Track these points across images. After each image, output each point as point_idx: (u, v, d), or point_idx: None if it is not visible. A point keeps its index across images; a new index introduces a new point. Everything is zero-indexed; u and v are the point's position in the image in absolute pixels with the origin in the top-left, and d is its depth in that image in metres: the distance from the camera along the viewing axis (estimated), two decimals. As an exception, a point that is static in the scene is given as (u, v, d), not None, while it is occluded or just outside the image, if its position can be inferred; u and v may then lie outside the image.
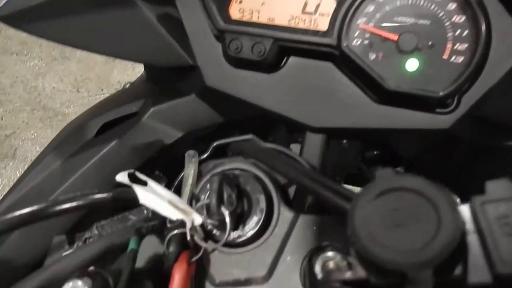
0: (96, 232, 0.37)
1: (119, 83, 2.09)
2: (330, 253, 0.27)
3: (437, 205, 0.19)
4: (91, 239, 0.37)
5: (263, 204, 0.35)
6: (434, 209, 0.19)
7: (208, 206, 0.32)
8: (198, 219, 0.31)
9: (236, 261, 0.35)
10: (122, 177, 0.33)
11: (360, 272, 0.20)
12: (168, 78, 0.59)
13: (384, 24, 0.42)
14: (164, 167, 0.57)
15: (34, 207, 0.28)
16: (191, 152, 0.42)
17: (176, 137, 0.55)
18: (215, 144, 0.45)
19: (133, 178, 0.34)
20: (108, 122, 0.56)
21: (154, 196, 0.31)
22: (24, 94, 1.99)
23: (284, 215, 0.35)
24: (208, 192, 0.33)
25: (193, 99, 0.55)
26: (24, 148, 1.87)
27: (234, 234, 0.34)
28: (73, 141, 0.53)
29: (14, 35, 2.14)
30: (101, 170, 0.50)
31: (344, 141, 0.57)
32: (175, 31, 0.49)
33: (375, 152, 0.66)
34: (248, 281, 0.35)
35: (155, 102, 0.55)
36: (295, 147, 0.55)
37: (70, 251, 0.36)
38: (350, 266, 0.22)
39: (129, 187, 0.33)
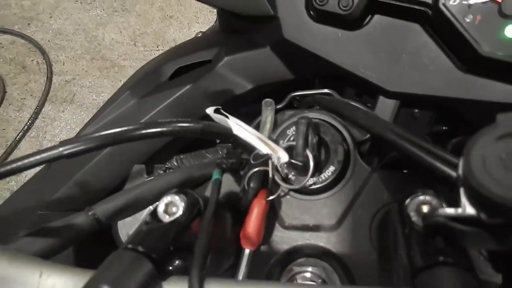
0: (175, 163, 0.39)
1: (174, 41, 2.12)
2: (426, 197, 0.27)
3: None
4: (171, 170, 0.39)
5: (341, 155, 0.35)
6: None
7: (293, 148, 0.33)
8: (284, 157, 0.32)
9: (307, 207, 0.36)
10: (211, 110, 0.34)
11: (470, 210, 0.20)
12: (241, 29, 0.59)
13: (488, -16, 0.39)
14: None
15: (125, 128, 0.30)
16: (268, 100, 0.42)
17: (246, 88, 0.55)
18: (292, 95, 0.45)
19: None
20: (182, 67, 0.57)
21: (245, 130, 0.32)
22: (85, 42, 2.07)
23: (359, 168, 0.36)
24: (289, 136, 0.34)
25: (266, 52, 0.54)
26: (82, 95, 1.96)
27: (311, 180, 0.35)
28: (148, 82, 0.55)
29: (79, -17, 2.20)
30: (174, 111, 0.52)
31: (416, 110, 0.56)
32: (260, -21, 0.49)
33: (444, 128, 0.63)
34: (316, 228, 0.36)
35: (229, 52, 0.55)
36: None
37: (151, 178, 0.38)
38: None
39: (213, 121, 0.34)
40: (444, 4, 0.40)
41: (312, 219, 0.36)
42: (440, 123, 0.63)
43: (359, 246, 0.34)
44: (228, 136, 0.32)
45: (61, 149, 0.27)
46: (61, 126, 1.90)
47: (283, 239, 0.36)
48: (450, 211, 0.21)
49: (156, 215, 0.27)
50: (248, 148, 0.38)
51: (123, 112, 0.52)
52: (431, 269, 0.21)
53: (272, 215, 0.36)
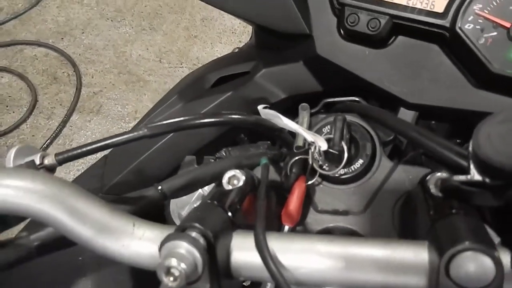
0: (224, 154, 0.45)
1: (197, 59, 2.22)
2: (443, 174, 0.32)
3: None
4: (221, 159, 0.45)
5: (369, 150, 0.41)
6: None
7: (330, 140, 0.39)
8: (324, 145, 0.38)
9: (337, 195, 0.42)
10: (261, 107, 0.41)
11: (477, 177, 0.25)
12: (277, 45, 0.66)
13: (498, 12, 0.46)
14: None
15: (192, 116, 0.36)
16: (304, 104, 0.49)
17: (280, 97, 0.62)
18: (325, 101, 0.51)
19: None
20: (223, 77, 0.64)
21: (292, 122, 0.38)
22: (113, 57, 2.18)
23: (384, 163, 0.41)
24: (325, 133, 0.40)
25: (299, 66, 0.61)
26: (108, 107, 2.05)
27: (341, 171, 0.41)
28: (193, 89, 0.62)
29: (111, 2, 2.34)
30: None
31: (433, 122, 0.62)
32: (298, 2, 0.56)
33: (458, 141, 0.69)
34: (345, 212, 0.41)
35: (266, 64, 0.62)
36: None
37: (206, 163, 0.44)
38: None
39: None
40: (460, 28, 0.46)
41: (342, 205, 0.41)
42: (455, 135, 0.69)
43: (382, 228, 0.39)
44: (276, 128, 0.39)
45: (145, 130, 0.34)
46: (87, 135, 1.99)
47: (316, 221, 0.41)
48: (462, 177, 0.27)
49: (220, 185, 0.33)
50: (287, 142, 0.44)
51: (171, 114, 0.59)
52: (445, 219, 0.26)
53: (307, 200, 0.42)
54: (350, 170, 0.41)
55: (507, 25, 0.45)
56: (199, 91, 0.62)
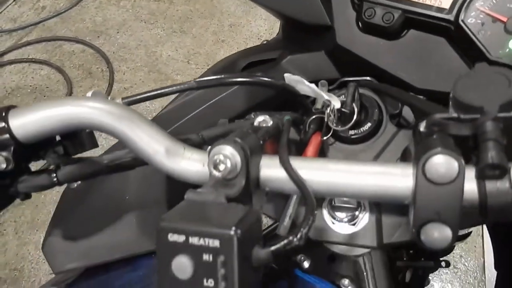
0: (252, 117, 0.53)
1: (223, 62, 2.33)
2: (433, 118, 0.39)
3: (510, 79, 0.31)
4: (250, 120, 0.53)
5: (376, 116, 0.48)
6: (509, 83, 0.31)
7: (343, 102, 0.46)
8: (337, 104, 0.45)
9: (348, 152, 0.49)
10: (288, 75, 0.49)
11: (454, 114, 0.32)
12: (300, 37, 0.74)
13: (497, 8, 0.53)
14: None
15: (225, 75, 0.44)
16: (323, 81, 0.56)
17: (302, 82, 0.70)
18: (341, 79, 0.59)
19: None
20: (252, 62, 0.72)
21: (312, 85, 0.46)
22: (144, 57, 2.31)
23: (389, 128, 0.49)
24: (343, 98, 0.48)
25: (321, 55, 0.69)
26: (137, 102, 2.18)
27: (351, 132, 0.48)
28: (225, 71, 0.71)
29: (145, 5, 2.48)
30: (244, 94, 0.67)
31: (439, 107, 0.68)
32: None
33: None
34: None
35: (291, 52, 0.70)
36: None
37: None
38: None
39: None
40: (463, 21, 0.53)
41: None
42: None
43: None
44: (298, 94, 0.46)
45: (194, 83, 0.42)
46: (116, 127, 2.11)
47: None
48: (444, 115, 0.34)
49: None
50: (307, 109, 0.52)
51: (203, 92, 0.68)
52: (426, 140, 0.32)
53: (321, 157, 0.49)
54: (360, 132, 0.48)
55: (504, 19, 0.52)
56: (230, 73, 0.70)
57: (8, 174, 0.36)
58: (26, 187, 0.37)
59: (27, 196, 0.38)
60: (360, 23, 0.63)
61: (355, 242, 0.44)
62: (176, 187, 0.59)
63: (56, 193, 1.91)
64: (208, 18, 2.46)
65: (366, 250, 0.48)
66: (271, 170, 0.35)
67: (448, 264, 0.67)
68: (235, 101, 0.63)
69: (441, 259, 0.69)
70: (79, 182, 0.59)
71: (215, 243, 0.25)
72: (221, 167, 0.32)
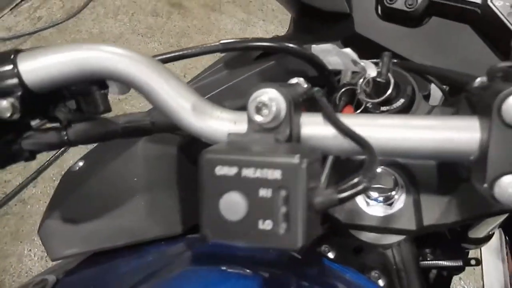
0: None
1: (220, 77, 2.33)
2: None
3: None
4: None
5: (409, 91, 0.45)
6: None
7: (379, 73, 0.43)
8: (373, 72, 0.42)
9: None
10: (316, 45, 0.46)
11: None
12: (315, 28, 0.72)
13: (526, -11, 0.51)
14: None
15: (252, 38, 0.41)
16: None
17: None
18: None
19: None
20: (264, 53, 0.70)
21: (346, 51, 0.43)
22: (140, 69, 2.29)
23: (423, 104, 0.46)
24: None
25: (338, 44, 0.67)
26: (133, 111, 2.14)
27: (383, 108, 0.45)
28: (239, 59, 0.68)
29: (143, 19, 2.48)
30: (259, 79, 0.64)
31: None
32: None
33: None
34: None
35: (306, 42, 0.68)
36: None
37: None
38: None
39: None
40: (492, 1, 0.52)
41: None
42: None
43: None
44: (325, 68, 0.43)
45: (220, 45, 0.39)
46: (108, 139, 2.05)
47: None
48: (507, 63, 0.31)
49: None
50: (334, 85, 0.49)
51: (218, 78, 0.65)
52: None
53: None
54: (392, 108, 0.45)
55: (534, 0, 0.50)
56: (244, 61, 0.67)
57: (12, 126, 0.31)
58: (32, 143, 0.33)
59: (31, 155, 0.34)
60: (379, 10, 0.61)
61: (391, 225, 0.40)
62: (188, 169, 0.55)
63: (43, 203, 1.83)
64: (206, 34, 2.47)
65: (397, 240, 0.44)
66: (312, 127, 0.31)
67: (478, 262, 0.62)
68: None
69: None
70: (81, 164, 0.54)
71: (276, 174, 0.20)
72: (264, 112, 0.28)
